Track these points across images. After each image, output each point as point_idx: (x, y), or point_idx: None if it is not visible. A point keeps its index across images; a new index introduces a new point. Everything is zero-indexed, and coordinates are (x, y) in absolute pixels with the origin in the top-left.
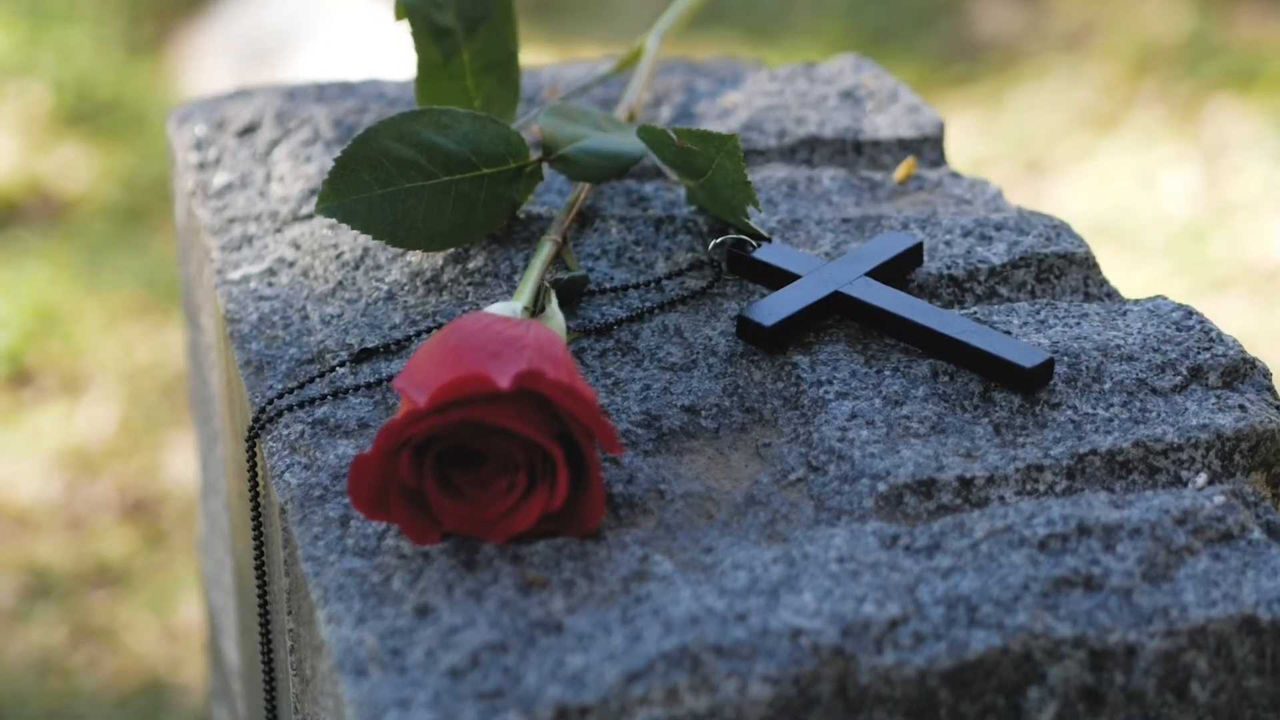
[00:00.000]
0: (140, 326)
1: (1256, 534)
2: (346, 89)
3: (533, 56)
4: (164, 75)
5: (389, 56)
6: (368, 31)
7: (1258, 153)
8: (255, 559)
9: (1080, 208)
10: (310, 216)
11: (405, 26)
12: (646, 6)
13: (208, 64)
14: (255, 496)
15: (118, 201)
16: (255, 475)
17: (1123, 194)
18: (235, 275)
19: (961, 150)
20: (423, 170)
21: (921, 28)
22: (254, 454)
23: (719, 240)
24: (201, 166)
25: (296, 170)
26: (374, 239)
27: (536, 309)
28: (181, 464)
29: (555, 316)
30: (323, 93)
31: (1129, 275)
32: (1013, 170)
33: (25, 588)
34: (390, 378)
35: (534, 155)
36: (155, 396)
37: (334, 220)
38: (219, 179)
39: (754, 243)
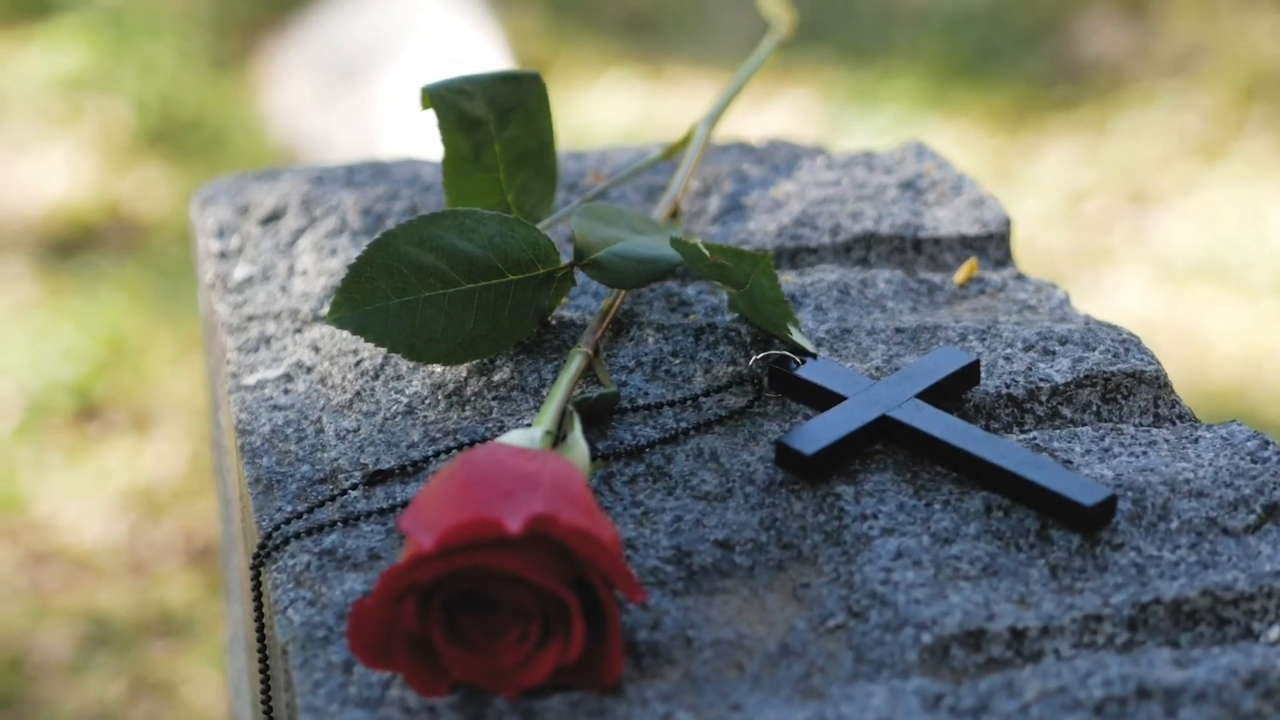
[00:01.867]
0: None
1: None
2: (379, 171)
3: (620, 76)
4: (248, 91)
5: (477, 69)
6: (455, 46)
7: None
8: (263, 699)
9: (1185, 242)
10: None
11: (431, 116)
12: (740, 26)
13: (293, 79)
14: (261, 630)
15: None
16: (260, 608)
17: (1229, 228)
18: (251, 380)
19: (1062, 180)
20: (444, 278)
21: (1024, 47)
22: (259, 584)
23: (761, 356)
24: (223, 255)
25: (320, 264)
26: (390, 352)
27: (559, 435)
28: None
29: (578, 446)
30: (352, 176)
31: (1234, 316)
32: (1115, 200)
33: (84, 638)
34: (405, 503)
35: (566, 257)
36: None
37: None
38: (240, 271)
39: (798, 359)
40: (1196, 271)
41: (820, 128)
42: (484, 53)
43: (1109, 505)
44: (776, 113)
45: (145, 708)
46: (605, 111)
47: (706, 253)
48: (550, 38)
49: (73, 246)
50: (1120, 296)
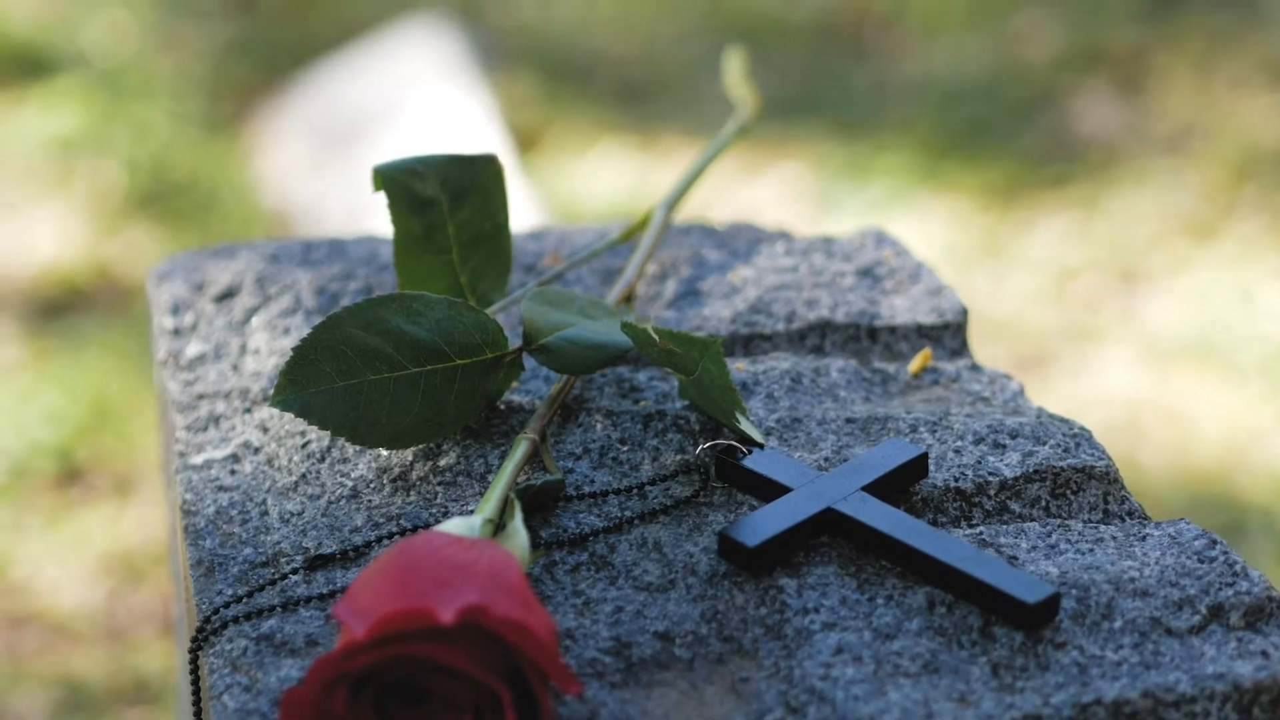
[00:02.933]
0: None
1: None
2: (336, 249)
3: (616, 145)
4: (241, 155)
5: (470, 137)
6: (449, 112)
7: None
8: None
9: (1172, 322)
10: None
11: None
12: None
13: (286, 144)
14: (198, 714)
15: None
16: (198, 691)
17: (1219, 308)
18: (198, 460)
19: (1051, 257)
20: (389, 361)
21: (1018, 123)
22: (196, 668)
23: (708, 445)
24: (176, 332)
25: (273, 343)
26: (334, 435)
27: (500, 524)
28: None
29: (518, 535)
30: (309, 254)
31: (1221, 397)
32: (1105, 279)
33: (58, 702)
34: (345, 589)
35: (515, 342)
36: None
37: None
38: (193, 348)
39: (745, 449)
40: (1184, 352)
41: (811, 201)
42: (477, 121)
43: (1052, 603)
44: (768, 185)
45: None
46: (596, 181)
47: (656, 338)
48: (543, 106)
49: (60, 308)
50: (1107, 375)
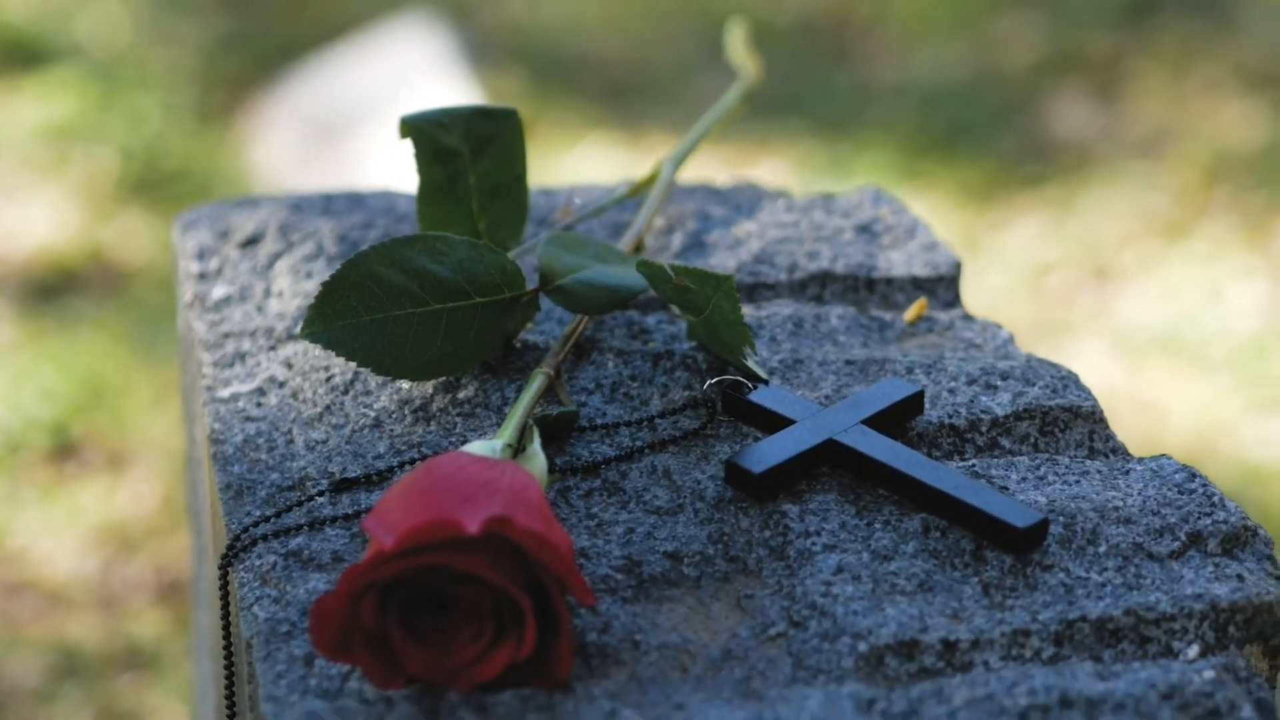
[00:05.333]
0: None
1: (1246, 711)
2: (355, 201)
3: (602, 140)
4: (233, 145)
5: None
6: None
7: None
8: (225, 691)
9: (1144, 317)
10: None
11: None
12: (718, 92)
13: (277, 136)
14: (227, 627)
15: None
16: (227, 605)
17: (1188, 305)
18: (225, 393)
19: (1027, 254)
20: (414, 298)
21: (996, 125)
22: (226, 583)
23: (715, 380)
24: (202, 277)
25: (296, 286)
26: (359, 366)
27: (519, 448)
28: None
29: (536, 458)
30: (330, 204)
31: (1190, 389)
32: (1078, 276)
33: (53, 668)
34: (369, 509)
35: (533, 284)
36: None
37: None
38: (218, 291)
39: (750, 385)
40: (1155, 346)
41: None
42: None
43: (1041, 528)
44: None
45: None
46: (583, 176)
47: (672, 275)
48: (532, 101)
49: (54, 290)
50: (1080, 367)
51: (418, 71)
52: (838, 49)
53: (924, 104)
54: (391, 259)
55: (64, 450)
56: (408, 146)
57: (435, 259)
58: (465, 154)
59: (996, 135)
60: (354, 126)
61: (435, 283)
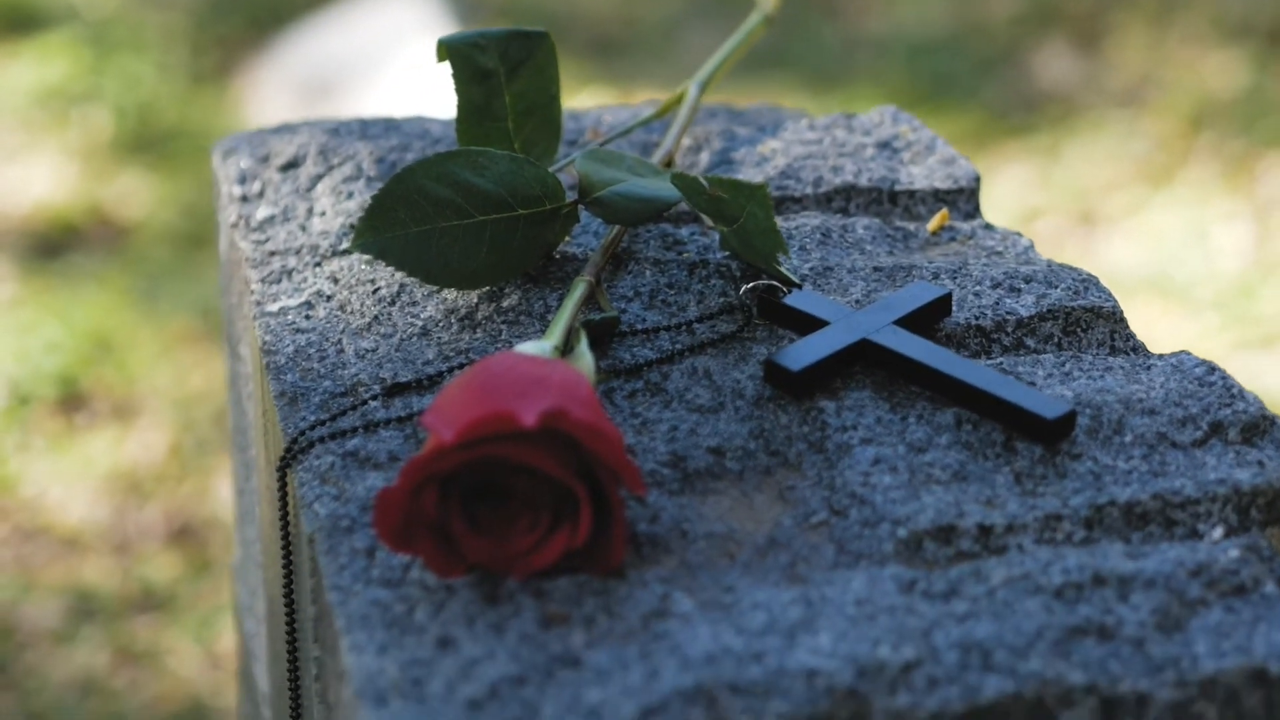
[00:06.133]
0: (193, 355)
1: (1270, 588)
2: (390, 126)
3: (592, 98)
4: (226, 105)
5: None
6: (430, 67)
7: None
8: (284, 587)
9: (1131, 261)
10: (349, 252)
11: (447, 68)
12: (710, 48)
13: (269, 95)
14: (285, 526)
15: (177, 229)
16: (286, 505)
17: (1174, 248)
18: (274, 307)
19: (1015, 201)
20: (459, 210)
21: (982, 77)
22: (285, 484)
23: (750, 285)
24: (245, 199)
25: (337, 205)
26: (408, 276)
27: (567, 349)
28: (229, 491)
29: (584, 357)
30: (366, 129)
31: (1178, 329)
32: (1066, 221)
33: (71, 610)
34: (421, 412)
35: (571, 198)
36: (206, 424)
37: (370, 256)
38: (261, 212)
39: (785, 289)
40: (1143, 287)
41: None
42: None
43: (1069, 419)
44: None
45: (130, 676)
46: None
47: (706, 186)
48: None
49: (57, 247)
50: None
51: (409, 31)
52: (825, 3)
53: (910, 57)
54: (436, 173)
55: (72, 401)
56: (439, 73)
57: (478, 172)
58: (501, 74)
59: (982, 86)
60: (347, 85)
61: (479, 195)
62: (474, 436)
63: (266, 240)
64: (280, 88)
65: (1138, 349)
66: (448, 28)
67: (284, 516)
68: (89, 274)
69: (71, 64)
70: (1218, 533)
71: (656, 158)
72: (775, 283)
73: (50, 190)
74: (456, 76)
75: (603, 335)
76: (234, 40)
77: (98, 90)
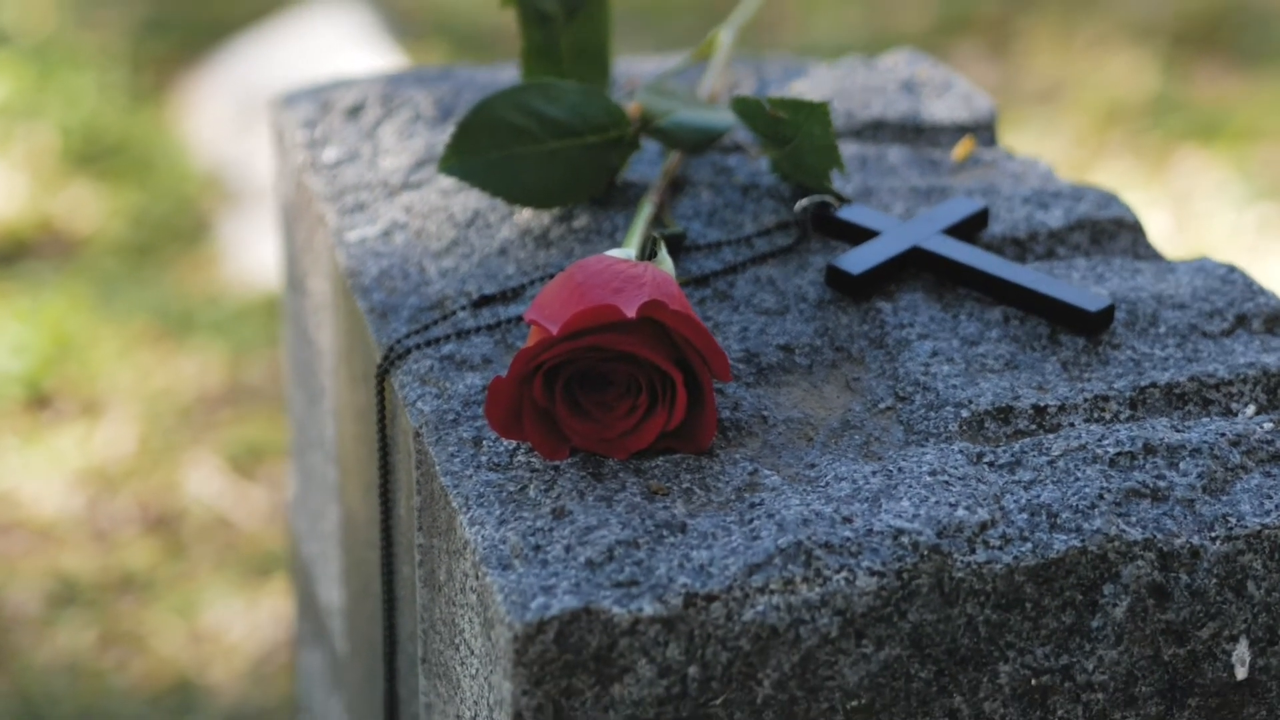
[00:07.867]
0: (154, 354)
1: None
2: (445, 74)
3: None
4: (168, 121)
5: None
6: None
7: (1222, 200)
8: (380, 484)
9: None
10: (420, 185)
11: (511, 13)
12: (700, 21)
13: (210, 110)
14: (383, 427)
15: (127, 239)
16: (384, 407)
17: None
18: (352, 237)
19: None
20: (534, 136)
21: None
22: (383, 388)
23: (805, 202)
24: (311, 144)
25: (403, 145)
26: (491, 196)
27: (646, 256)
28: (201, 482)
29: (666, 261)
30: (422, 78)
31: None
32: None
33: (53, 595)
34: (509, 320)
35: (631, 128)
36: (172, 419)
37: (449, 182)
38: (329, 154)
39: (837, 203)
40: None
41: None
42: None
43: (1108, 313)
44: None
45: (115, 656)
46: None
47: (766, 106)
48: None
49: (9, 257)
50: None
51: (342, 45)
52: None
53: (825, 59)
54: (514, 103)
55: (39, 401)
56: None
57: (551, 102)
58: (560, 18)
59: None
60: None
61: (552, 123)
62: (578, 328)
63: (337, 178)
64: (221, 101)
65: (1158, 258)
66: (379, 40)
67: (381, 418)
68: (46, 281)
69: (14, 82)
70: (1250, 410)
71: (702, 92)
72: (827, 199)
73: (0, 205)
74: (521, 19)
75: (671, 249)
76: (170, 58)
77: (41, 107)
